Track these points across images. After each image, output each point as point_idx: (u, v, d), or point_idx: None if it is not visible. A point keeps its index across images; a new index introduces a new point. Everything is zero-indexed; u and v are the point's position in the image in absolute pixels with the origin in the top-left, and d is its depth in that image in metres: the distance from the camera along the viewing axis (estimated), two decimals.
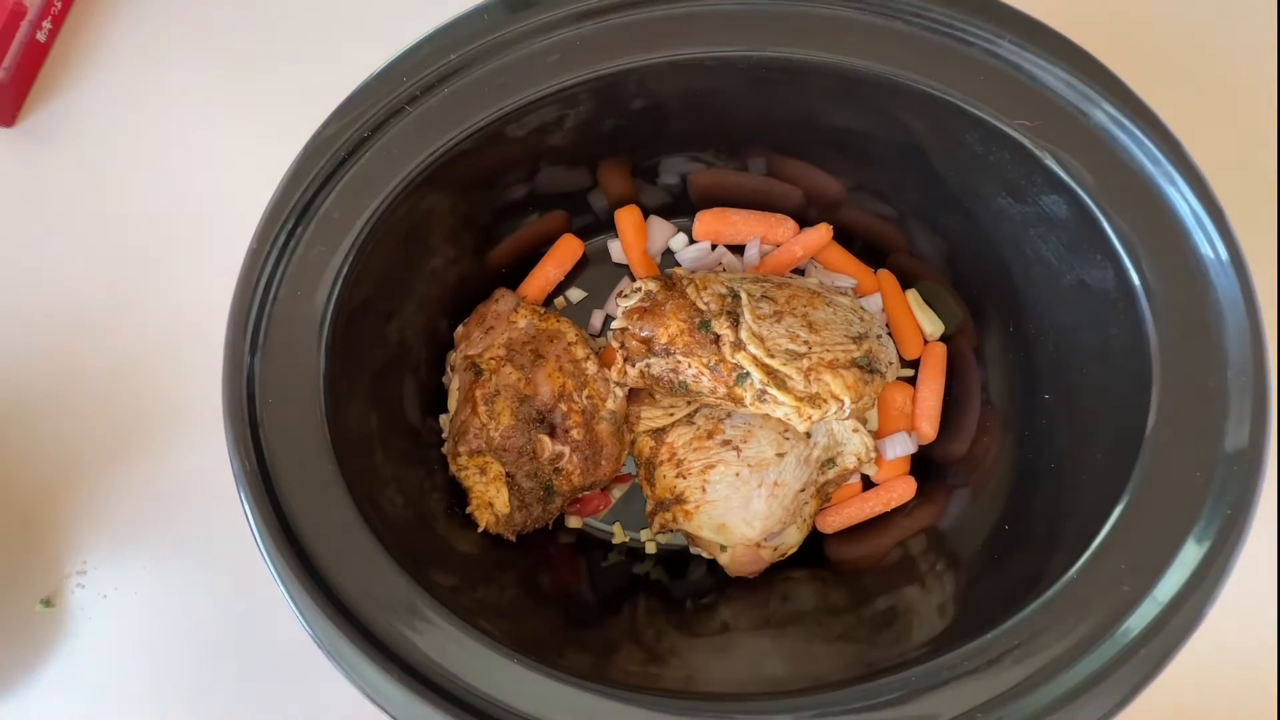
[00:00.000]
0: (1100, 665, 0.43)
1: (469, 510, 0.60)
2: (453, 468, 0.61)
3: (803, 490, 0.61)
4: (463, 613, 0.46)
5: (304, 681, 0.65)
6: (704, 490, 0.60)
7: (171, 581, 0.68)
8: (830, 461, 0.62)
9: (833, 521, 0.64)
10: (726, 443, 0.61)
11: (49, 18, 0.76)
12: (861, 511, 0.64)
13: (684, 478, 0.61)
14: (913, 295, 0.68)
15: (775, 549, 0.61)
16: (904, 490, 0.64)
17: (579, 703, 0.44)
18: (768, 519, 0.60)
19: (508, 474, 0.60)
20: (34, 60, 0.76)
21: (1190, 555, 0.44)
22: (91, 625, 0.68)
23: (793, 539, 0.62)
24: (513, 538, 0.60)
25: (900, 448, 0.65)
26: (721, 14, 0.51)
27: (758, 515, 0.59)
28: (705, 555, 0.63)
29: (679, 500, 0.61)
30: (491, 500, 0.60)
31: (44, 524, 0.69)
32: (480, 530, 0.59)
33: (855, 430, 0.61)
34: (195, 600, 0.68)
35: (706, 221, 0.68)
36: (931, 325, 0.67)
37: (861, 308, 0.62)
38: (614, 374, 0.60)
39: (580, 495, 0.64)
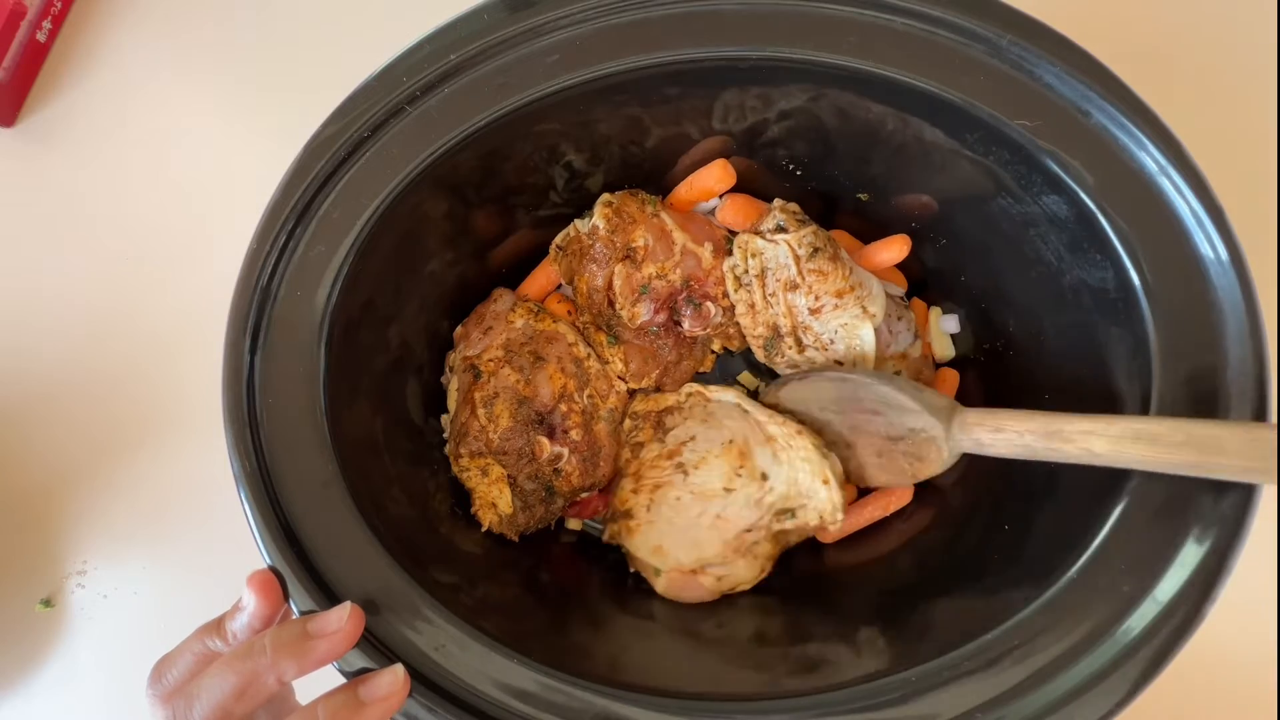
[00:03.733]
0: (1100, 665, 0.43)
1: (473, 511, 0.60)
2: (454, 469, 0.61)
3: (749, 531, 0.58)
4: (464, 613, 0.46)
5: (303, 680, 0.65)
6: (648, 509, 0.60)
7: (171, 581, 0.68)
8: (789, 512, 0.58)
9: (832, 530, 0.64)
10: (680, 465, 0.60)
11: (49, 18, 0.77)
12: (861, 518, 0.64)
13: (636, 494, 0.60)
14: (935, 314, 0.66)
15: (719, 579, 0.58)
16: (902, 494, 0.64)
17: (582, 702, 0.44)
18: (704, 549, 0.58)
19: (509, 476, 0.60)
20: (34, 60, 0.76)
21: (1190, 555, 0.44)
22: (91, 625, 0.68)
23: (742, 575, 0.59)
24: (515, 538, 0.61)
25: None
26: (721, 14, 0.51)
27: (694, 543, 0.58)
28: (644, 576, 0.61)
29: (626, 515, 0.61)
30: (495, 501, 0.60)
31: (44, 524, 0.69)
32: (484, 530, 0.59)
33: (825, 482, 0.57)
34: (195, 600, 0.67)
35: (733, 206, 0.64)
36: (943, 350, 0.66)
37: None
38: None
39: (579, 497, 0.64)
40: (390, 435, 0.56)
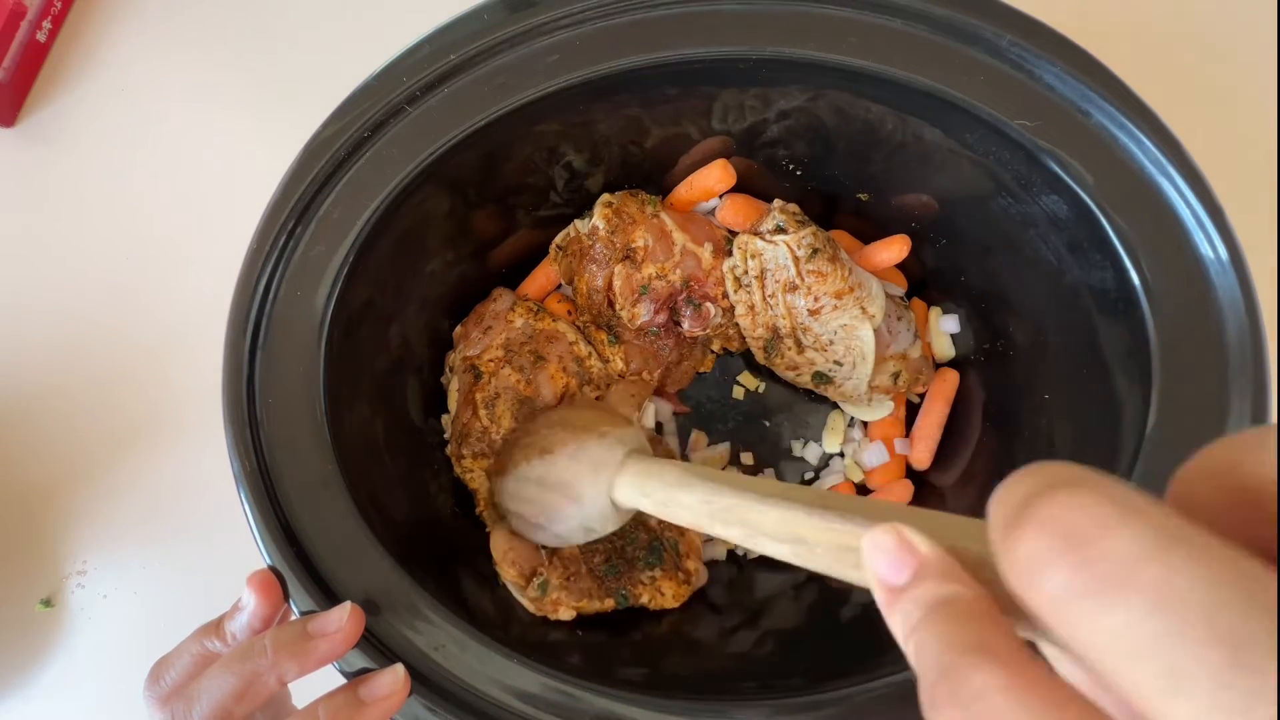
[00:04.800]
0: None
1: (477, 512, 0.60)
2: (457, 470, 0.61)
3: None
4: (465, 614, 0.46)
5: (302, 681, 0.65)
6: None
7: (171, 581, 0.68)
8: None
9: None
10: None
11: (49, 18, 0.76)
12: None
13: None
14: (935, 314, 0.66)
15: None
16: (900, 494, 0.64)
17: (582, 702, 0.44)
18: None
19: None
20: (34, 60, 0.76)
21: None
22: (91, 625, 0.68)
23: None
24: None
25: (877, 457, 0.65)
26: (721, 14, 0.51)
27: None
28: None
29: None
30: None
31: (44, 524, 0.69)
32: (488, 531, 0.59)
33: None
34: (195, 600, 0.67)
35: (733, 206, 0.63)
36: (943, 350, 0.66)
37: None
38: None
39: None
40: (390, 435, 0.56)
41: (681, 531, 0.59)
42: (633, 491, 0.46)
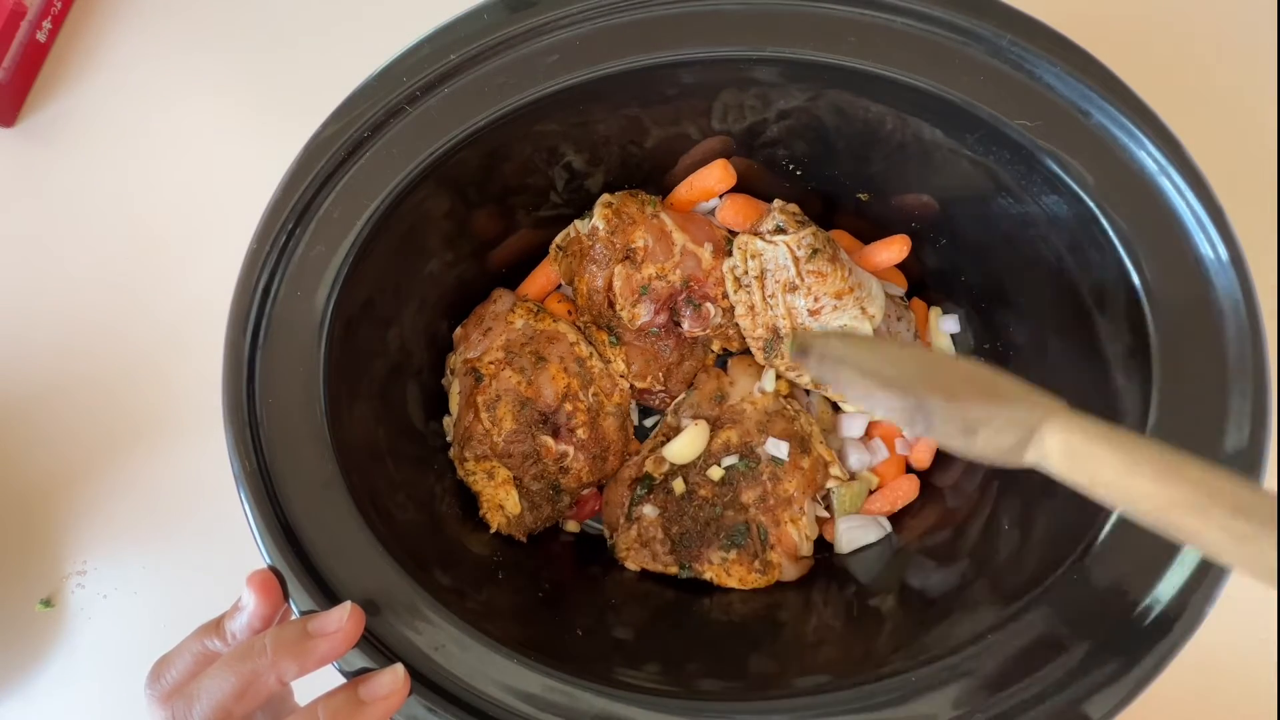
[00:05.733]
0: (1101, 666, 0.43)
1: (481, 514, 0.60)
2: (460, 472, 0.61)
3: None
4: (463, 613, 0.46)
5: (302, 680, 0.65)
6: None
7: (171, 581, 0.68)
8: None
9: None
10: None
11: (49, 18, 0.77)
12: (868, 512, 0.64)
13: None
14: (935, 314, 0.66)
15: None
16: (908, 489, 0.64)
17: (582, 702, 0.44)
18: None
19: (515, 477, 0.60)
20: (34, 60, 0.76)
21: (1190, 555, 0.44)
22: (91, 625, 0.68)
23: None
24: (524, 538, 0.61)
25: (877, 455, 0.65)
26: (721, 14, 0.51)
27: None
28: None
29: None
30: (502, 503, 0.60)
31: (44, 524, 0.69)
32: (492, 532, 0.59)
33: None
34: (195, 600, 0.67)
35: (733, 206, 0.64)
36: (943, 350, 0.66)
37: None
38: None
39: (582, 495, 0.64)
40: (390, 436, 0.56)
41: (776, 523, 0.60)
42: (1077, 439, 0.37)
